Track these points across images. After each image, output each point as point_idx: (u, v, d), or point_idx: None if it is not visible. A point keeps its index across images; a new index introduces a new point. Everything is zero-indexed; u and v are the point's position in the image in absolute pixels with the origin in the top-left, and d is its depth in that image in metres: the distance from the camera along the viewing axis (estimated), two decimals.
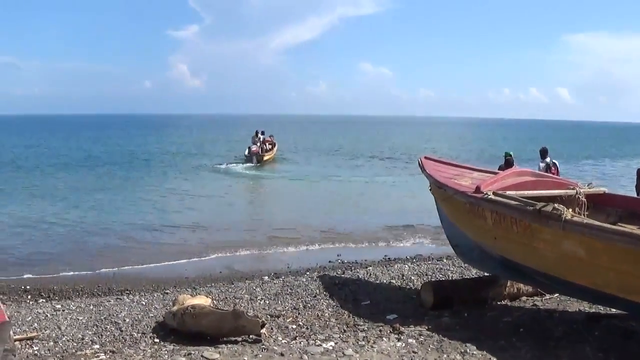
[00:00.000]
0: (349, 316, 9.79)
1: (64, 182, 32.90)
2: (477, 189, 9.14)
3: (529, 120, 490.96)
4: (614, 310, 8.92)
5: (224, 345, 8.04)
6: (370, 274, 13.14)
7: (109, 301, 11.31)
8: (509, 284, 10.35)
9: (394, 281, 12.53)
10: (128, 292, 12.43)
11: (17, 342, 8.18)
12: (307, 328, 9.13)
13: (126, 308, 10.66)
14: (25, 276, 14.00)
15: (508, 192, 9.03)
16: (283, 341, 8.35)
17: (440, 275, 12.90)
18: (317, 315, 9.92)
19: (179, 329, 8.76)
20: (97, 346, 8.48)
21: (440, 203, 10.80)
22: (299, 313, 10.10)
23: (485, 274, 10.88)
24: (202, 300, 9.50)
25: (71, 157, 50.72)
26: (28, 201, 26.01)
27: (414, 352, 7.67)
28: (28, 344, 8.56)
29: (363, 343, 8.05)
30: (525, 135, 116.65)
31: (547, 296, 10.52)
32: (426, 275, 12.96)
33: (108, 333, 9.15)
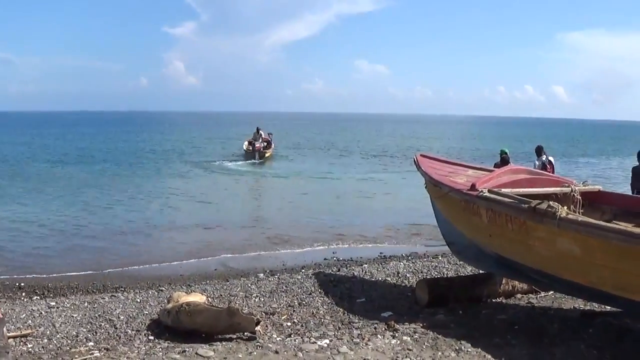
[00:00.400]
0: (343, 313, 9.77)
1: (60, 180, 32.85)
2: (473, 187, 9.13)
3: (525, 118, 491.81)
4: (609, 307, 8.94)
5: (218, 343, 8.01)
6: (366, 272, 13.14)
7: (104, 298, 11.28)
8: (504, 281, 10.36)
9: (389, 279, 12.53)
10: (123, 289, 12.39)
11: (10, 340, 8.17)
12: (302, 325, 9.11)
13: (121, 305, 10.63)
14: (19, 274, 13.95)
15: (503, 190, 9.03)
16: (278, 338, 8.33)
17: (436, 273, 12.90)
18: (312, 313, 9.89)
19: (173, 327, 8.73)
20: (92, 343, 8.45)
21: (435, 200, 10.80)
22: (293, 310, 10.08)
23: (481, 271, 10.88)
24: (196, 298, 9.49)
25: (65, 154, 50.67)
26: (21, 199, 25.95)
27: (408, 349, 7.67)
28: (22, 341, 8.52)
29: (358, 340, 8.05)
30: (521, 132, 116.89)
31: (542, 294, 10.53)
32: (421, 272, 12.97)
33: (102, 330, 9.11)
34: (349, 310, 9.93)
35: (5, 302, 11.29)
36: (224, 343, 8.02)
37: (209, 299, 10.55)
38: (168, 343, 8.25)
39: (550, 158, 17.59)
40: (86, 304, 10.80)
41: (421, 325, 8.75)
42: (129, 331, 9.04)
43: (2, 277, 13.69)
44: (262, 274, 13.54)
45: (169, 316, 8.84)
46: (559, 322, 8.93)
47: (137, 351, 7.88)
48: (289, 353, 7.52)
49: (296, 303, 10.57)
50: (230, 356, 7.45)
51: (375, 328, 8.71)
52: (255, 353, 7.54)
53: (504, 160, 16.44)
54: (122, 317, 9.78)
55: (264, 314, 9.74)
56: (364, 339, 8.13)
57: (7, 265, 14.75)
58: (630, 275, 7.04)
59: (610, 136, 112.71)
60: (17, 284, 12.98)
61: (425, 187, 11.01)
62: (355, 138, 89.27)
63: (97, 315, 9.95)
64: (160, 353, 7.69)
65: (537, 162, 17.16)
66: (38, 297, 11.85)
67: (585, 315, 9.27)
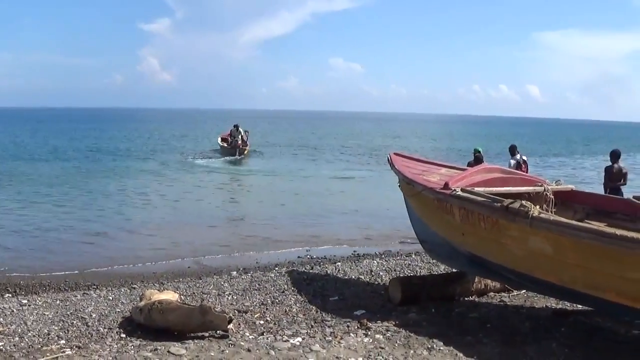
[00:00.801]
0: (316, 312, 9.76)
1: (29, 177, 32.37)
2: (446, 185, 9.17)
3: (500, 117, 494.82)
4: (580, 306, 9.03)
5: (190, 341, 7.98)
6: (339, 270, 13.16)
7: (76, 296, 11.17)
8: (476, 280, 10.41)
9: (362, 277, 12.55)
10: (95, 287, 12.29)
11: None
12: (275, 324, 9.08)
13: (93, 303, 10.54)
14: None
15: (476, 189, 9.08)
16: (250, 337, 8.30)
17: (409, 271, 12.94)
18: (285, 311, 9.87)
19: (145, 325, 8.68)
20: (63, 341, 8.37)
21: (408, 199, 10.82)
22: (266, 308, 10.05)
23: (453, 270, 10.93)
24: (169, 296, 9.46)
25: (35, 151, 50.10)
26: None
27: (381, 347, 7.70)
28: None
29: (330, 339, 8.06)
30: (495, 131, 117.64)
31: (515, 292, 10.59)
32: (394, 271, 13.00)
33: (74, 328, 9.02)
34: (321, 309, 9.92)
35: None
36: (196, 341, 7.99)
37: (182, 296, 10.52)
38: (140, 341, 8.19)
39: (524, 157, 17.73)
40: (58, 301, 10.70)
41: (394, 323, 8.78)
42: (101, 329, 8.96)
43: None
44: (235, 272, 13.49)
45: (141, 314, 8.78)
46: (531, 321, 9.00)
47: (108, 349, 7.83)
48: (261, 351, 7.52)
49: (269, 301, 10.55)
50: (202, 354, 7.43)
51: (347, 326, 8.72)
52: (227, 351, 7.54)
53: (477, 159, 16.51)
54: (94, 315, 9.70)
55: (236, 312, 9.70)
56: (336, 337, 8.14)
57: None
58: (601, 274, 7.10)
59: (584, 136, 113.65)
60: None
61: (399, 186, 11.03)
62: (330, 136, 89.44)
63: (69, 313, 9.86)
64: (132, 351, 7.65)
65: (511, 161, 17.28)
66: (10, 295, 11.69)
67: (557, 314, 9.36)
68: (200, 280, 12.51)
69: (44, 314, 9.79)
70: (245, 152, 45.75)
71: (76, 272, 13.86)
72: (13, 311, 9.97)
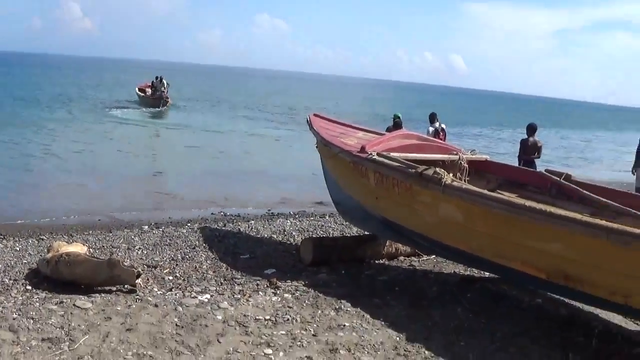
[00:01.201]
0: (227, 269, 9.70)
1: None
2: (362, 149, 9.18)
3: (424, 84, 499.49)
4: (487, 274, 9.21)
5: (97, 295, 7.83)
6: (252, 228, 13.11)
7: None
8: (387, 243, 10.51)
9: (275, 236, 12.53)
10: (2, 237, 11.89)
11: None
12: (184, 280, 9.00)
13: None
14: None
15: (392, 154, 9.11)
16: (158, 292, 8.21)
17: (321, 232, 13.00)
18: (195, 267, 9.78)
19: (52, 277, 8.47)
20: None
21: (325, 161, 10.82)
22: (176, 264, 9.94)
23: (366, 232, 11.01)
24: (77, 248, 9.25)
25: None
26: None
27: (289, 306, 7.71)
28: None
29: (239, 296, 8.04)
30: (417, 98, 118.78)
31: (424, 257, 10.74)
32: (307, 231, 13.04)
33: None
34: (232, 266, 9.87)
35: None
36: (103, 295, 7.85)
37: (90, 249, 10.29)
38: (46, 293, 7.99)
39: (443, 125, 17.94)
40: None
41: (303, 283, 8.81)
42: (6, 280, 8.70)
43: None
44: (146, 227, 13.25)
45: (48, 266, 8.57)
46: (438, 286, 9.15)
47: (13, 301, 7.60)
48: (169, 307, 7.44)
49: (179, 257, 10.43)
50: (109, 308, 7.31)
51: (257, 285, 8.71)
52: (134, 306, 7.43)
53: (396, 125, 16.60)
54: None
55: (145, 266, 9.56)
56: (245, 295, 8.12)
57: None
58: (508, 244, 7.27)
59: (506, 108, 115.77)
60: None
61: (317, 147, 11.01)
62: (252, 93, 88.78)
63: None
64: (37, 303, 7.45)
65: (430, 129, 17.47)
66: None
67: (465, 280, 9.53)
68: (110, 234, 12.25)
69: None
70: (168, 104, 45.43)
71: None
72: None
